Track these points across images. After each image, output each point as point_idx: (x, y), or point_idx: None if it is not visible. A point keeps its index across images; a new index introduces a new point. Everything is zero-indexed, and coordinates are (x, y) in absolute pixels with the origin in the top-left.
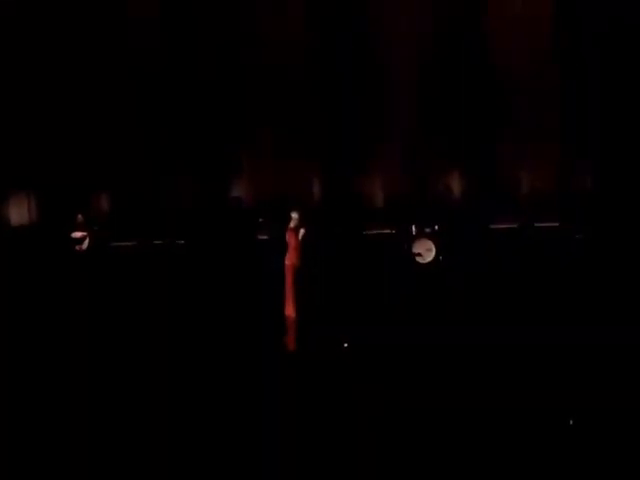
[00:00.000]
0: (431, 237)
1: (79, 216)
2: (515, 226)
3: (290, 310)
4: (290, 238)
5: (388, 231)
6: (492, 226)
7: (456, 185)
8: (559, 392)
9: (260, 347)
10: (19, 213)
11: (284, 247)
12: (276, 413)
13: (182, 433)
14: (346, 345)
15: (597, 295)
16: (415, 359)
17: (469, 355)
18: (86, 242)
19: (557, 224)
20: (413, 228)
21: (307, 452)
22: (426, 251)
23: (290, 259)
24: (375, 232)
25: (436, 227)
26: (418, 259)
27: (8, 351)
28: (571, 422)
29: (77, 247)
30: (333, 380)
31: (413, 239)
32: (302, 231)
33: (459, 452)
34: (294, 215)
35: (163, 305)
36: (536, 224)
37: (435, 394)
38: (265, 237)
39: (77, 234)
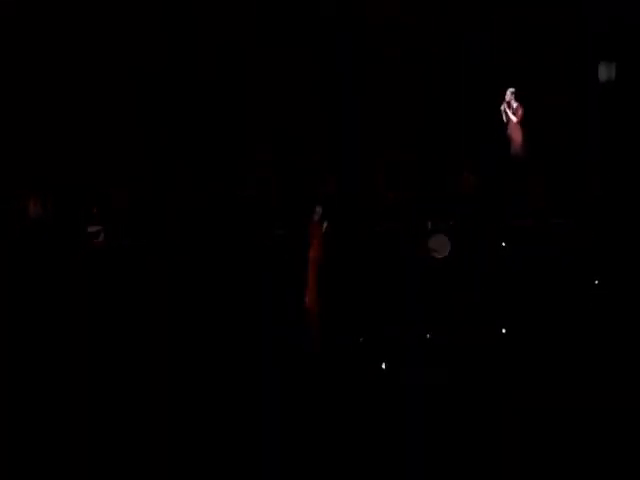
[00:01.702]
0: (446, 232)
1: (94, 209)
2: (530, 224)
3: (312, 304)
4: (314, 231)
5: (402, 226)
6: (508, 224)
7: (470, 182)
8: (565, 392)
9: (273, 345)
10: (35, 209)
11: (303, 241)
12: (286, 413)
13: (191, 433)
14: (362, 339)
15: (608, 296)
16: (428, 355)
17: (481, 353)
18: (102, 235)
19: (571, 222)
20: (429, 224)
21: (318, 453)
22: (441, 246)
23: (313, 252)
24: (388, 228)
25: (451, 223)
26: (434, 254)
27: (23, 343)
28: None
29: (95, 241)
30: (348, 375)
31: (429, 234)
32: (325, 224)
33: (466, 452)
34: (318, 209)
35: (173, 301)
36: (550, 222)
37: (448, 394)
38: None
39: (93, 228)
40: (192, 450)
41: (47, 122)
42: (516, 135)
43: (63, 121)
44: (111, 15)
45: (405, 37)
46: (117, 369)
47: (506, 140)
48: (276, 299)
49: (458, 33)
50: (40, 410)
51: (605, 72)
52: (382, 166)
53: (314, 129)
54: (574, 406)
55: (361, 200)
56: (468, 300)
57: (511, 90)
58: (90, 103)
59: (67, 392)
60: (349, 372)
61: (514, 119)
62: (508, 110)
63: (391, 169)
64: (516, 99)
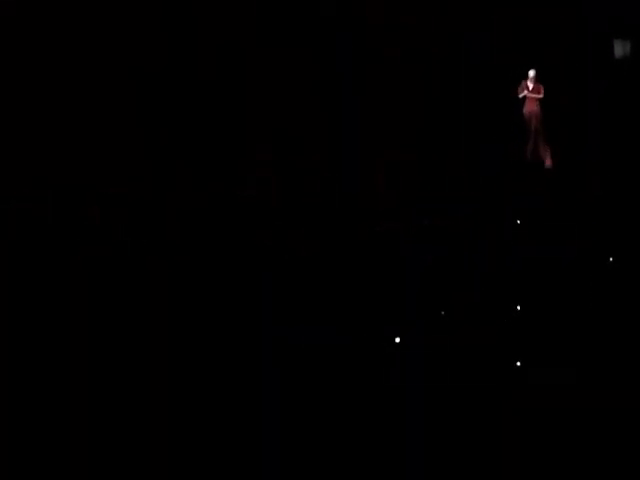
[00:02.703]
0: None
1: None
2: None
3: None
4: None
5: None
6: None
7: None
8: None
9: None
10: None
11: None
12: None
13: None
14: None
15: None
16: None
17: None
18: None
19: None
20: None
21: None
22: None
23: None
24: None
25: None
26: None
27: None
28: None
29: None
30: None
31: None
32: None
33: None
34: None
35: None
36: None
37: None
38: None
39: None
40: (192, 450)
41: (47, 122)
42: (533, 109)
43: (63, 121)
44: (111, 15)
45: (405, 37)
46: (117, 368)
47: (521, 116)
48: (276, 299)
49: (458, 33)
50: (40, 410)
51: (620, 49)
52: (382, 166)
53: (314, 129)
54: (574, 406)
55: (361, 200)
56: (468, 300)
57: (533, 72)
58: (90, 103)
59: (67, 392)
60: (348, 372)
61: (532, 95)
62: (526, 90)
63: (391, 169)
64: (537, 81)
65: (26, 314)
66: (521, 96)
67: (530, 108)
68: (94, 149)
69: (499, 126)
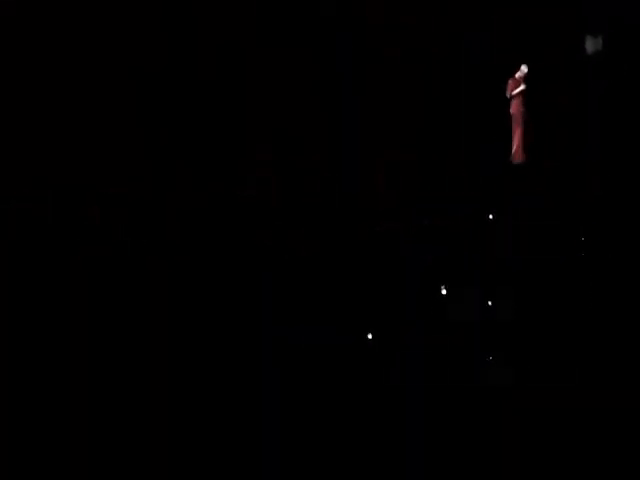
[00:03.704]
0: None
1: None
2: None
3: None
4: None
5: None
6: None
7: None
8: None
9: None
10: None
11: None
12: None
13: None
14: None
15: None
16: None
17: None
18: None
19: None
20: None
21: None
22: None
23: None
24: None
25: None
26: None
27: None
28: None
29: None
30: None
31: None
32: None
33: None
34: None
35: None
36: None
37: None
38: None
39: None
40: (192, 450)
41: (47, 122)
42: (522, 106)
43: (63, 121)
44: (111, 15)
45: (405, 37)
46: (118, 368)
47: (508, 116)
48: (276, 299)
49: (458, 33)
50: (40, 410)
51: (592, 45)
52: (382, 166)
53: (314, 129)
54: (574, 406)
55: (361, 200)
56: (468, 300)
57: (526, 67)
58: (90, 103)
59: (67, 392)
60: (348, 372)
61: (521, 90)
62: (522, 86)
63: (391, 169)
64: (525, 80)
65: (26, 314)
66: (514, 94)
67: (519, 105)
68: (94, 149)
69: (499, 126)
